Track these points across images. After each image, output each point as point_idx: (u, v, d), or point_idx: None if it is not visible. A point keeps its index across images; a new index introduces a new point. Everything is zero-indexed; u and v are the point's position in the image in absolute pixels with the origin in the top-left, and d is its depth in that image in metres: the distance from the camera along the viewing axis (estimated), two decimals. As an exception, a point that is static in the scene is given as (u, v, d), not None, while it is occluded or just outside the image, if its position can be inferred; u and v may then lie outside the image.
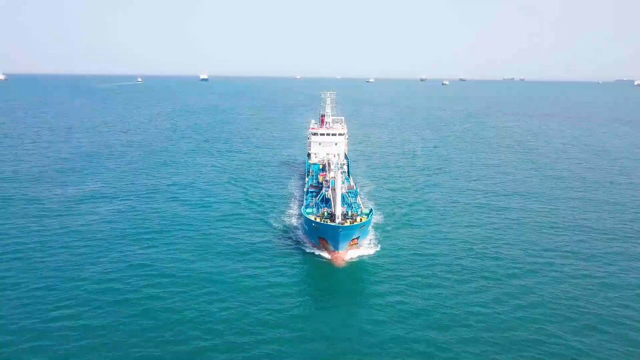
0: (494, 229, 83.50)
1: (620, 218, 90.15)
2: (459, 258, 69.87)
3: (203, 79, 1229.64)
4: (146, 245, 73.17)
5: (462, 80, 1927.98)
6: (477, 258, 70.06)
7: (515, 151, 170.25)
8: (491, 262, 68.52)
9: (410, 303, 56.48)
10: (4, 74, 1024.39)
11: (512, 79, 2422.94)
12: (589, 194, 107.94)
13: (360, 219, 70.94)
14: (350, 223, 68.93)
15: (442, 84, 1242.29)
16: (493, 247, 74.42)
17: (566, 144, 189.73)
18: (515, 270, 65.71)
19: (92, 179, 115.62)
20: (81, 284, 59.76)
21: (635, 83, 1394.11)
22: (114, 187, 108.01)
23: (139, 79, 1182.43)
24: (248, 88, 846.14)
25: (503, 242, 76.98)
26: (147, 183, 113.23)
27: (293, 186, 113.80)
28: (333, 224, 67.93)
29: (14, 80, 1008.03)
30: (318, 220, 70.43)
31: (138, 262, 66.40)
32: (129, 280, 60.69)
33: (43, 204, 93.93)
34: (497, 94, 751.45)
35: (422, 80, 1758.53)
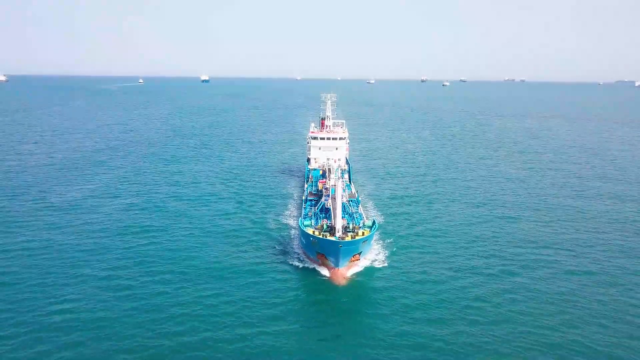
0: (507, 242, 76.96)
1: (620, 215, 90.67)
2: (472, 273, 64.76)
3: (204, 80, 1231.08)
4: (125, 266, 66.34)
5: (462, 81, 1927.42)
6: (490, 276, 64.22)
7: (522, 154, 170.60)
8: (508, 285, 61.26)
9: (417, 332, 50.87)
10: (4, 75, 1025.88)
11: (513, 80, 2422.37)
12: (592, 193, 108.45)
13: (363, 233, 65.59)
14: (352, 237, 63.63)
15: (443, 85, 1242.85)
16: (509, 265, 67.81)
17: (568, 145, 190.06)
18: (551, 307, 56.63)
19: (92, 180, 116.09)
20: (84, 278, 61.05)
21: (636, 84, 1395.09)
22: (114, 188, 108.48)
23: (140, 80, 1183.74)
24: (248, 89, 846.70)
25: (521, 262, 69.23)
26: (139, 190, 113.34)
27: (291, 193, 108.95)
28: (333, 238, 62.85)
29: (15, 81, 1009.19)
30: (316, 233, 65.07)
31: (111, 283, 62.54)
32: (128, 277, 61.67)
33: (46, 202, 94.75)
34: (497, 95, 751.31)
35: (422, 81, 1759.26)
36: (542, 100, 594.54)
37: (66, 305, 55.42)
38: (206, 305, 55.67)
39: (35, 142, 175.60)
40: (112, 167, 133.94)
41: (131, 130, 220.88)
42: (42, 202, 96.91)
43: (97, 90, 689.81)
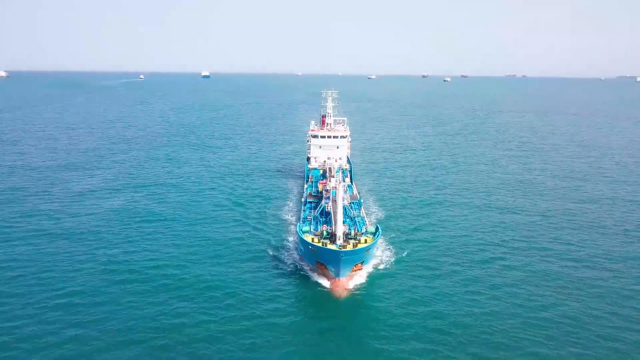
0: (519, 248, 73.33)
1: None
2: (486, 285, 60.32)
3: (205, 76, 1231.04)
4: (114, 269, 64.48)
5: (463, 76, 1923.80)
6: (506, 287, 60.32)
7: (527, 150, 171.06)
8: (522, 299, 57.38)
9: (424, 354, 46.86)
10: (5, 71, 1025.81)
11: (514, 75, 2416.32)
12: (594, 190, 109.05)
13: (366, 240, 61.40)
14: (354, 245, 59.76)
15: (444, 81, 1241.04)
16: (519, 276, 63.91)
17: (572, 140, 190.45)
18: (565, 308, 55.26)
19: (94, 174, 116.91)
20: (88, 268, 62.37)
21: (638, 79, 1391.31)
22: (116, 182, 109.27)
23: (141, 76, 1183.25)
24: (249, 85, 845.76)
25: (528, 268, 66.07)
26: (140, 184, 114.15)
27: (290, 193, 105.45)
28: (333, 247, 59.25)
29: (15, 78, 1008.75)
30: (316, 241, 61.14)
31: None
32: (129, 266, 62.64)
33: (50, 196, 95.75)
34: (498, 91, 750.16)
35: (423, 76, 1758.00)
36: (545, 95, 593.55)
37: (71, 292, 57.55)
38: (191, 319, 52.12)
39: (38, 138, 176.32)
40: (114, 162, 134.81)
41: (132, 126, 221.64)
42: (45, 196, 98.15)
43: (98, 86, 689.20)
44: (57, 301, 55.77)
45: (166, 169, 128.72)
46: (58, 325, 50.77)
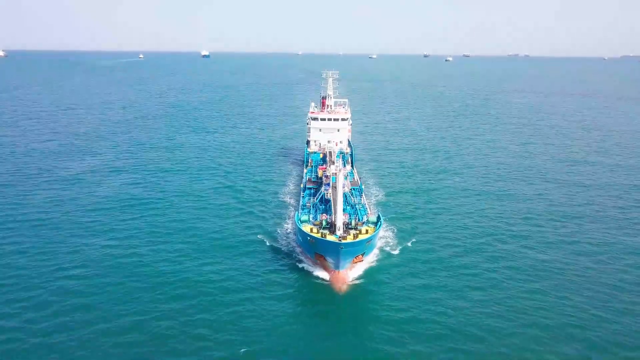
0: (521, 234, 71.47)
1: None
2: (491, 281, 57.35)
3: (204, 56, 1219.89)
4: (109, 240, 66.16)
5: (465, 56, 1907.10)
6: (511, 275, 58.49)
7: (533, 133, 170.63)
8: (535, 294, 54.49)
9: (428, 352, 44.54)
10: (3, 51, 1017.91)
11: (517, 55, 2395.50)
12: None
13: (367, 230, 59.47)
14: (354, 236, 57.41)
15: (446, 60, 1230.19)
16: (526, 261, 62.42)
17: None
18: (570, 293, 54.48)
19: (95, 155, 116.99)
20: (90, 247, 62.64)
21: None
22: (117, 163, 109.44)
23: (141, 56, 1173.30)
24: (249, 64, 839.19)
25: (538, 256, 63.89)
26: (140, 165, 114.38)
27: (289, 177, 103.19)
28: (332, 238, 56.82)
29: (14, 57, 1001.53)
30: (315, 231, 59.05)
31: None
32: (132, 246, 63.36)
33: (53, 175, 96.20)
34: (501, 71, 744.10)
35: (425, 56, 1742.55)
36: (548, 76, 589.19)
37: (74, 272, 58.65)
38: (179, 322, 48.67)
39: (38, 119, 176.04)
40: (114, 144, 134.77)
41: (131, 106, 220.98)
42: (45, 178, 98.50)
43: (97, 66, 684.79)
44: (59, 283, 56.34)
45: (165, 151, 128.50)
46: (59, 306, 51.54)
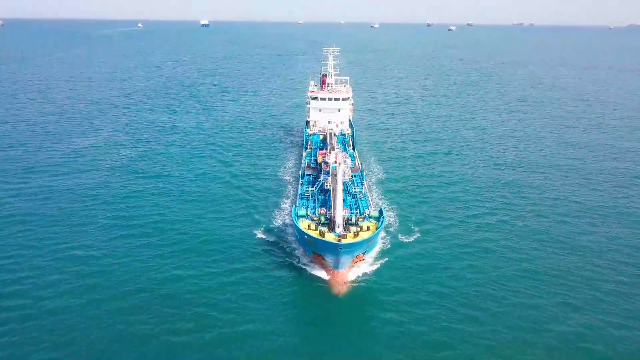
0: (526, 230, 66.93)
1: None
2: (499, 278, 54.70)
3: (204, 25, 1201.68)
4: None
5: (469, 25, 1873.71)
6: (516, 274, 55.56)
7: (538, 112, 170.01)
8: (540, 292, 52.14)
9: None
10: (1, 19, 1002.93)
11: (521, 24, 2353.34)
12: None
13: (368, 227, 55.93)
14: (355, 234, 53.99)
15: (449, 30, 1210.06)
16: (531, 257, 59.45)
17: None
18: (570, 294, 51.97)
19: (97, 129, 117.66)
20: (93, 222, 64.24)
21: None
22: (118, 137, 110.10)
23: (140, 25, 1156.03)
24: (250, 34, 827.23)
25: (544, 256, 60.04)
26: (141, 139, 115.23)
27: (288, 160, 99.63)
28: (332, 236, 53.42)
29: (10, 26, 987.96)
30: (313, 227, 55.87)
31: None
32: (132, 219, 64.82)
33: (55, 150, 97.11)
34: (505, 40, 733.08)
35: (428, 25, 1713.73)
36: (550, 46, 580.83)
37: (79, 246, 60.87)
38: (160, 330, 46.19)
39: (37, 92, 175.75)
40: (114, 117, 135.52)
41: (131, 79, 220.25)
42: (46, 151, 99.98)
43: (95, 35, 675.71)
44: (67, 253, 59.07)
45: (165, 125, 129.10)
46: (66, 276, 54.11)
